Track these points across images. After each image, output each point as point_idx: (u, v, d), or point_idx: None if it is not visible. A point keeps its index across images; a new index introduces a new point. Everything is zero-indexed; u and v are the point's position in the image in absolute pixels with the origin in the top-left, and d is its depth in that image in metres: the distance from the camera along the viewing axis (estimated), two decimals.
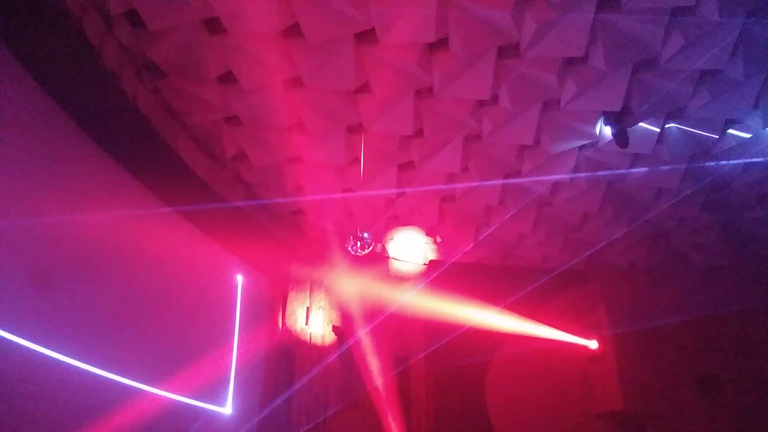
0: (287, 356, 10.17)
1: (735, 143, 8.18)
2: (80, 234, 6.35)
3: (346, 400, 10.15)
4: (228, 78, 7.20)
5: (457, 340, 10.16)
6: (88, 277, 6.42)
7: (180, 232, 8.45)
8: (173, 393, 7.54)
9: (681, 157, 8.47)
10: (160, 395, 7.30)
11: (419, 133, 8.18)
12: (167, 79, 7.16)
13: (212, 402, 8.43)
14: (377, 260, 11.12)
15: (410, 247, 11.31)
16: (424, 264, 11.70)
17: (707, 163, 8.59)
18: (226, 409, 8.78)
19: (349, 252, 8.65)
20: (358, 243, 8.48)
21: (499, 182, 9.13)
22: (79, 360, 6.00)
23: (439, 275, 11.03)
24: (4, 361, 5.13)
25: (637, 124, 7.74)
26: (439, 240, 11.05)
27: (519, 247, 11.17)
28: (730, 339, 11.27)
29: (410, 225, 10.53)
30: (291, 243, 10.50)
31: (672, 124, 8.02)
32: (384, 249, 11.18)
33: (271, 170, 9.00)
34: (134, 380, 6.82)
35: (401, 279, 11.57)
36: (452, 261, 10.88)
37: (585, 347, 11.25)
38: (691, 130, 8.06)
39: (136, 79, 6.84)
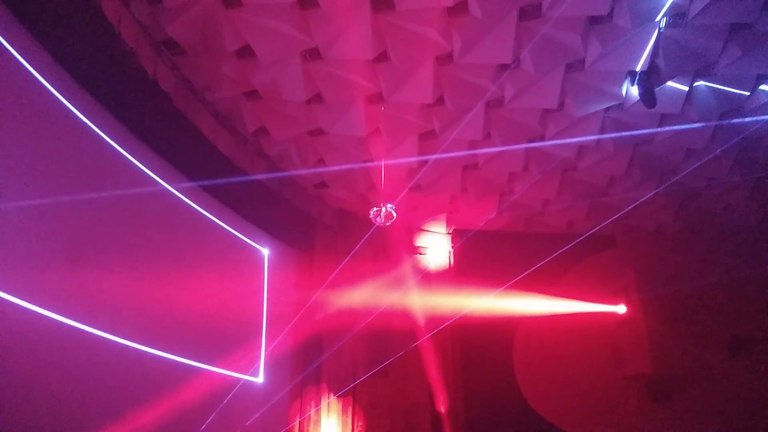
0: (316, 327, 10.34)
1: (767, 99, 7.90)
2: (108, 211, 6.48)
3: (374, 369, 10.31)
4: (246, 52, 7.17)
5: (484, 306, 10.18)
6: (119, 252, 6.57)
7: (206, 208, 8.56)
8: (208, 365, 7.75)
9: (710, 116, 8.24)
10: (195, 367, 7.51)
11: (440, 101, 8.07)
12: (186, 55, 7.17)
13: (245, 372, 8.65)
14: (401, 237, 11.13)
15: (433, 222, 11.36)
16: (448, 233, 11.69)
17: (737, 121, 8.35)
18: (259, 378, 9.00)
19: (373, 222, 8.66)
20: (382, 213, 8.48)
21: (522, 148, 9.01)
22: (116, 335, 6.18)
23: (464, 244, 11.02)
24: (43, 336, 5.31)
25: (664, 83, 7.52)
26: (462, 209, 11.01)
27: (544, 213, 11.07)
28: (760, 300, 11.08)
29: (433, 195, 10.48)
30: (315, 216, 10.56)
31: (701, 82, 7.79)
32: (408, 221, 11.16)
33: (292, 144, 9.01)
34: (171, 353, 7.02)
35: (424, 252, 11.60)
36: (476, 229, 10.84)
37: (613, 312, 11.19)
38: (721, 87, 7.82)
39: (155, 56, 6.86)
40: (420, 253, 11.60)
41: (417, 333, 10.66)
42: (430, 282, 11.26)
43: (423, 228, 11.65)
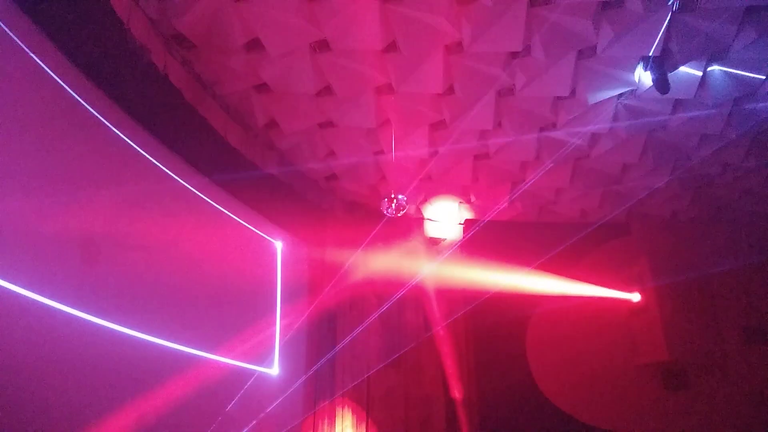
0: (329, 318, 10.40)
1: None
2: (123, 206, 6.54)
3: (387, 359, 10.35)
4: (255, 45, 7.17)
5: (497, 296, 10.16)
6: (133, 248, 6.63)
7: (218, 202, 8.61)
8: (223, 357, 7.82)
9: (725, 101, 8.12)
10: (211, 359, 7.58)
11: (450, 90, 8.03)
12: (196, 49, 7.18)
13: (260, 364, 8.71)
14: (412, 226, 11.14)
15: (444, 211, 11.28)
16: (460, 224, 11.66)
17: (753, 106, 8.22)
18: (273, 370, 9.07)
19: (384, 214, 8.67)
20: (393, 204, 8.48)
21: (534, 136, 8.95)
22: (131, 329, 6.25)
23: (476, 234, 10.99)
24: (60, 333, 5.38)
25: (677, 68, 7.42)
26: (473, 199, 10.96)
27: (556, 202, 11.00)
28: None
29: (444, 186, 10.46)
30: (326, 208, 10.59)
31: (715, 67, 7.66)
32: (419, 212, 11.19)
33: (303, 136, 9.02)
34: (186, 346, 7.09)
35: (436, 243, 11.57)
36: (488, 219, 10.81)
37: (627, 299, 11.13)
38: (736, 71, 7.69)
39: (166, 51, 6.88)
40: (432, 243, 11.58)
41: (430, 323, 10.68)
42: (443, 271, 11.24)
43: (434, 218, 11.63)
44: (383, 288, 10.66)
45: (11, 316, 4.87)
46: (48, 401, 5.21)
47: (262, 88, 7.96)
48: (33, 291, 5.09)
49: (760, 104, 8.16)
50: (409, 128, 8.82)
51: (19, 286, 4.94)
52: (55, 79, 5.83)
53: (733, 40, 7.06)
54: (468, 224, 11.59)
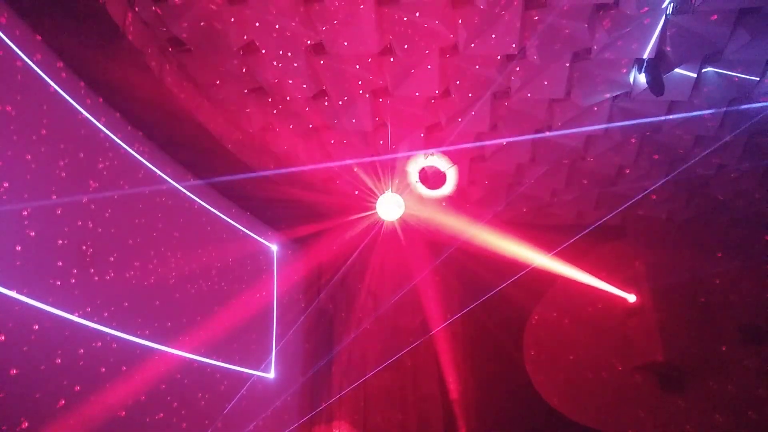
0: (326, 321, 10.39)
1: None
2: (118, 210, 6.52)
3: (384, 362, 10.34)
4: (251, 49, 7.18)
5: (495, 296, 10.13)
6: (128, 252, 6.61)
7: (214, 205, 8.60)
8: (219, 361, 7.80)
9: (719, 102, 8.15)
10: (207, 363, 7.56)
11: (446, 93, 8.04)
12: (191, 53, 7.18)
13: (257, 368, 8.70)
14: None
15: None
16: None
17: (747, 107, 8.25)
18: (270, 374, 9.05)
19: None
20: None
21: (529, 139, 8.96)
22: (126, 333, 6.23)
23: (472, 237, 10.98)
24: (52, 334, 5.36)
25: (672, 70, 7.45)
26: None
27: (552, 204, 11.01)
28: None
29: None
30: (322, 211, 10.57)
31: (709, 69, 7.69)
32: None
33: (299, 139, 9.02)
34: (181, 350, 7.07)
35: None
36: (484, 221, 10.80)
37: (623, 300, 11.14)
38: (730, 73, 7.72)
39: (161, 55, 6.88)
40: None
41: (428, 324, 10.66)
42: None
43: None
44: (380, 287, 10.65)
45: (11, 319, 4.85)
46: (48, 402, 5.19)
47: (258, 91, 7.96)
48: (29, 297, 5.07)
49: (755, 105, 8.20)
50: (405, 131, 8.82)
51: (18, 293, 4.92)
52: (50, 83, 5.82)
53: (727, 42, 7.10)
54: (465, 227, 11.55)
